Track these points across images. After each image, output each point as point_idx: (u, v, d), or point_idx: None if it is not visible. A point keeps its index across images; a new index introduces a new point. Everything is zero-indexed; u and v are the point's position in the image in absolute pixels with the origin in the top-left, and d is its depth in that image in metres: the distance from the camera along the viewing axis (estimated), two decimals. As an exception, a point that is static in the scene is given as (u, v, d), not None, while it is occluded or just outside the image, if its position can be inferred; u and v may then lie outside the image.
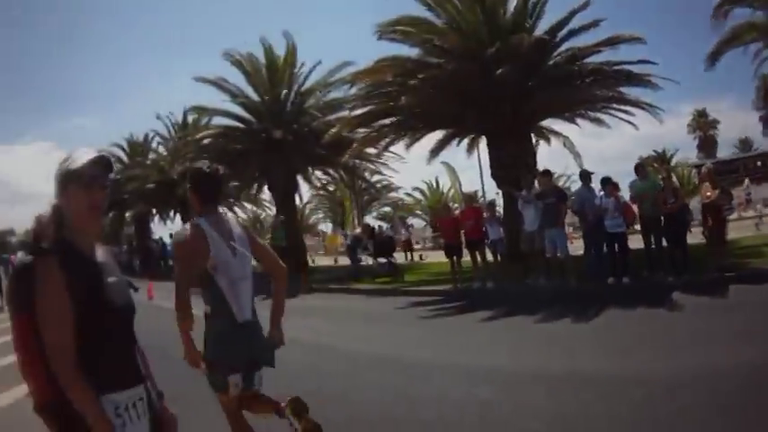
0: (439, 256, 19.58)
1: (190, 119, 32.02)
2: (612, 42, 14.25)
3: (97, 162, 2.00)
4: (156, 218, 36.51)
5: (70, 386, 1.82)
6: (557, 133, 18.92)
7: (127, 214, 37.33)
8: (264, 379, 3.43)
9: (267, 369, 3.49)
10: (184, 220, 23.83)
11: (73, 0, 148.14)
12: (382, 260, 17.46)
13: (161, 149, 35.47)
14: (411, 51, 16.24)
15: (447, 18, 15.92)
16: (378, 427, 4.60)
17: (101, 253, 2.08)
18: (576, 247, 13.27)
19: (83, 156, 2.00)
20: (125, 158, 37.13)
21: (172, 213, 34.55)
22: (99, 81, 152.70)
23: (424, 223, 46.55)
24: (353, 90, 17.96)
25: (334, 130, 18.07)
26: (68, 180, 1.98)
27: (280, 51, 23.73)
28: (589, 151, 73.54)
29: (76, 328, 1.86)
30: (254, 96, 24.03)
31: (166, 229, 35.68)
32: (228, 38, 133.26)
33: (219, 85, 23.72)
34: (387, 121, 16.96)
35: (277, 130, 21.40)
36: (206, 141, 23.83)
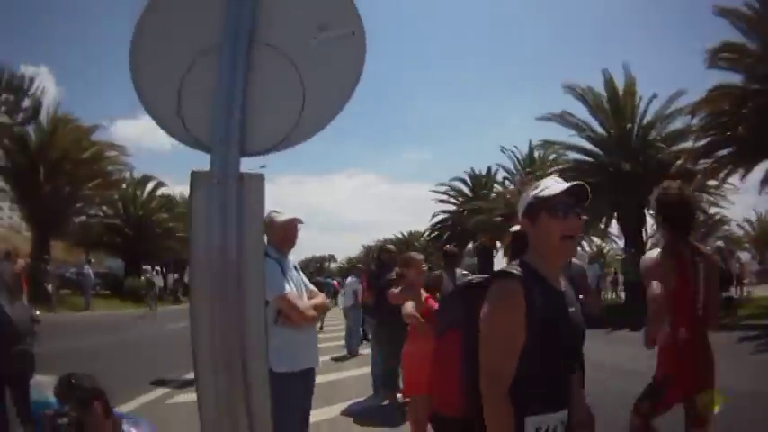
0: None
1: (536, 153, 34.58)
2: None
3: (572, 191, 1.97)
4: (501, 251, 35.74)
5: (492, 411, 1.87)
6: None
7: (470, 245, 40.53)
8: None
9: None
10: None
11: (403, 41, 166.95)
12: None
13: (506, 184, 37.33)
14: (735, 78, 16.81)
15: (760, 43, 16.23)
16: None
17: (563, 282, 2.11)
18: None
19: (556, 184, 2.02)
20: (467, 192, 42.05)
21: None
22: (433, 119, 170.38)
23: (749, 255, 44.94)
24: (695, 120, 18.87)
25: (679, 162, 18.99)
26: (541, 208, 2.00)
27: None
28: None
29: (524, 353, 1.89)
30: (599, 129, 25.16)
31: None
32: (550, 73, 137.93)
33: (564, 119, 25.35)
34: (724, 151, 17.72)
35: (625, 162, 22.28)
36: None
